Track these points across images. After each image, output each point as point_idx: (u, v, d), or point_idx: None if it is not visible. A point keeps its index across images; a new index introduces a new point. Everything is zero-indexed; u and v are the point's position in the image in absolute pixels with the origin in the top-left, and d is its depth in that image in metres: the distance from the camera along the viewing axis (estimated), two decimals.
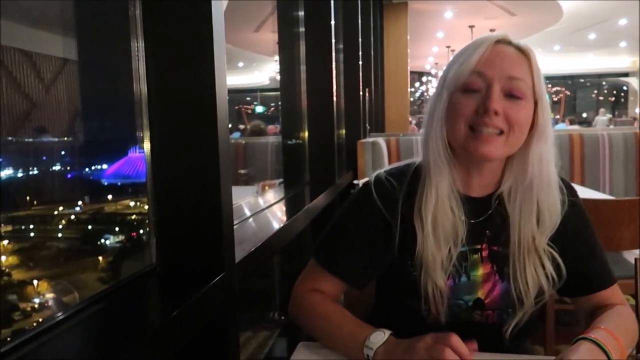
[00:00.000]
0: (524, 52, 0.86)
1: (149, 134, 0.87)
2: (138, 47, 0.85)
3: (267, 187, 2.29)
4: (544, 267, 0.87)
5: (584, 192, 2.70)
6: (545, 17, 9.59)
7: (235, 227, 1.33)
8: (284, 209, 1.76)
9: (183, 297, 0.74)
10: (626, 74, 17.19)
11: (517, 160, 0.88)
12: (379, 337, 0.78)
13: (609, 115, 14.23)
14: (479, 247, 0.90)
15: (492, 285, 0.90)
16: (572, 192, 0.96)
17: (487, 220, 0.91)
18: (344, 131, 3.19)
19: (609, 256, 2.24)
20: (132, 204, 1.19)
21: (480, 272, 0.90)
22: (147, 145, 0.87)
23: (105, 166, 1.17)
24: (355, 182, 2.81)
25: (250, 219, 1.46)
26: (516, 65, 0.85)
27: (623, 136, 3.23)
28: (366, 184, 0.95)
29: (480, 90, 0.84)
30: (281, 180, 2.27)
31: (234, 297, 0.91)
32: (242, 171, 3.15)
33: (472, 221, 0.90)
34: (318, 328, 0.90)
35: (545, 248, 0.88)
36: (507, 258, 0.89)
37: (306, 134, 2.26)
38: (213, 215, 0.85)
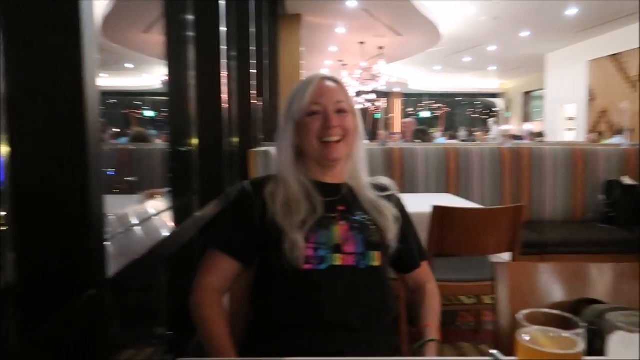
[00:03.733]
0: (338, 83, 1.27)
1: (8, 137, 0.78)
2: None
3: (153, 196, 2.18)
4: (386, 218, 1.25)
5: (457, 202, 2.95)
6: (426, 39, 10.37)
7: (112, 239, 1.25)
8: (170, 218, 1.69)
9: (43, 318, 0.68)
10: (495, 95, 19.16)
11: (350, 158, 1.28)
12: None
13: (465, 132, 15.62)
14: (334, 215, 1.21)
15: (346, 236, 1.19)
16: (393, 187, 1.35)
17: (339, 200, 1.25)
18: (236, 139, 3.15)
19: (477, 260, 2.46)
20: None
21: (337, 228, 1.19)
22: (4, 149, 0.78)
23: None
24: None
25: (132, 230, 1.38)
26: (337, 92, 1.25)
27: (490, 150, 3.58)
28: (241, 187, 1.28)
29: (319, 113, 1.22)
30: (169, 189, 2.17)
31: (106, 315, 0.85)
32: (127, 179, 2.97)
33: (326, 199, 1.22)
34: (199, 328, 1.17)
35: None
36: (356, 221, 1.21)
37: (195, 141, 2.20)
38: (80, 228, 0.78)
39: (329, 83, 1.26)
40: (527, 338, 0.63)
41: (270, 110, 5.46)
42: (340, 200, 1.24)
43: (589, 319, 1.15)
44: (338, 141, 1.22)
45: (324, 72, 11.28)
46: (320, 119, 1.21)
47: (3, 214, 0.81)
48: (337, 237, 1.18)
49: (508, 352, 0.80)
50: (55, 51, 0.77)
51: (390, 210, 1.26)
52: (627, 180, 3.65)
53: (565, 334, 0.62)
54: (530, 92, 16.60)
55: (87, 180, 0.79)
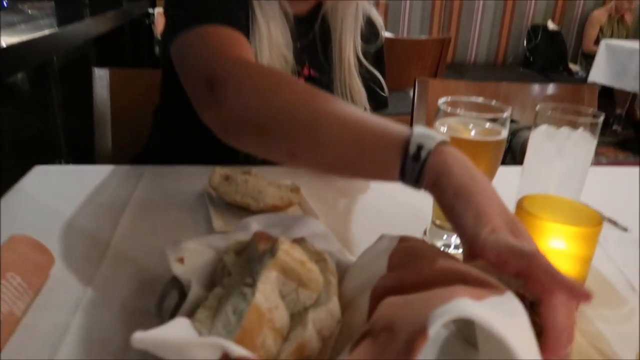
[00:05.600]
0: None
1: None
2: None
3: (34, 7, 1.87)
4: (363, 86, 0.87)
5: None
6: None
7: None
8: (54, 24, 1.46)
9: None
10: None
11: None
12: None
13: None
14: (299, 68, 0.83)
15: None
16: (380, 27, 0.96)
17: (307, 45, 0.84)
18: None
19: (399, 95, 2.42)
20: None
21: None
22: None
23: None
24: (151, 11, 2.45)
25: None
26: None
27: None
28: None
29: None
30: None
31: None
32: None
33: (295, 45, 0.81)
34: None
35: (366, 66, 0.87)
36: (321, 84, 0.84)
37: None
38: None
39: None
40: (444, 128, 0.56)
41: None
42: (308, 46, 0.85)
43: None
44: None
45: None
46: None
47: None
48: None
49: None
50: None
51: (358, 86, 0.87)
52: (551, 26, 3.65)
53: (488, 120, 0.56)
54: None
55: None
